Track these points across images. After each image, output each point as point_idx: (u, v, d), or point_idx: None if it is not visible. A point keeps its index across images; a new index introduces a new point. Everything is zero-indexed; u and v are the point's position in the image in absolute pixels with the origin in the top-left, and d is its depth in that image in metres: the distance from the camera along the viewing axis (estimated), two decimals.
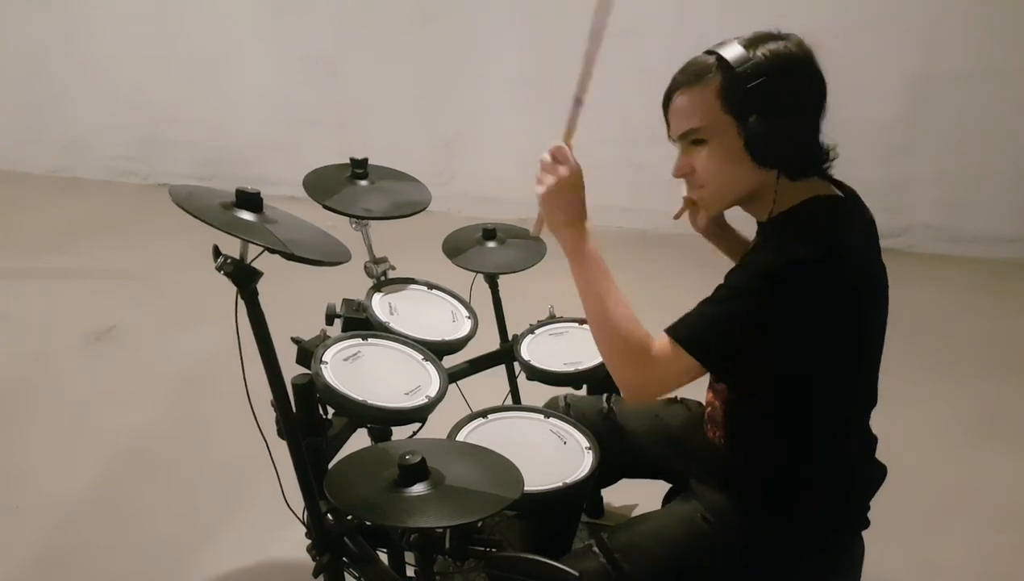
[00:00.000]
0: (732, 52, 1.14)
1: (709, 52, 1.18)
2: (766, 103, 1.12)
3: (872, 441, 1.31)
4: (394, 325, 1.60)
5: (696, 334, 1.14)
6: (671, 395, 1.58)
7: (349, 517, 1.33)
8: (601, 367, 1.62)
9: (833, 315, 1.12)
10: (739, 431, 1.30)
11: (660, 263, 3.74)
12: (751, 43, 1.14)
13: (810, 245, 1.12)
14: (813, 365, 1.16)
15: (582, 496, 1.37)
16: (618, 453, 1.49)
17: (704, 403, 1.43)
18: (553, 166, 1.18)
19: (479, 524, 1.22)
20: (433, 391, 1.43)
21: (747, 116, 1.12)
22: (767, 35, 1.16)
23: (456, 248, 1.83)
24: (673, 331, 1.16)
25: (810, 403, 1.20)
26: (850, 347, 1.18)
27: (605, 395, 1.63)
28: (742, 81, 1.12)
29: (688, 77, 1.18)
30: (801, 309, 1.11)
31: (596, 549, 1.27)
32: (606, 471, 1.49)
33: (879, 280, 1.22)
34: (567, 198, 1.19)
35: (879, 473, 1.31)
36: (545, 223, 1.23)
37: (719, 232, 1.47)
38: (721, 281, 1.19)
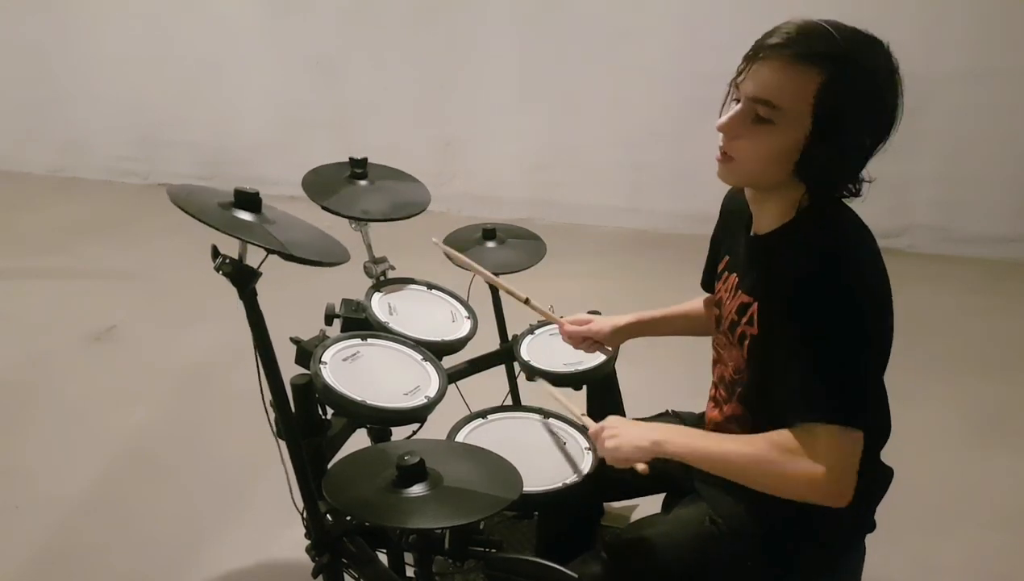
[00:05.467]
0: (856, 57, 1.04)
1: (828, 30, 1.06)
2: (855, 129, 1.07)
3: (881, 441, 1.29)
4: (393, 325, 1.60)
5: (850, 404, 1.06)
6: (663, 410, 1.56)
7: (348, 518, 1.33)
8: (601, 367, 1.62)
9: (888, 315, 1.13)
10: None
11: (659, 263, 3.74)
12: (865, 48, 1.06)
13: (868, 241, 1.13)
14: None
15: (583, 497, 1.36)
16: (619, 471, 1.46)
17: (708, 419, 1.38)
18: (602, 438, 1.21)
19: (481, 525, 1.22)
20: (432, 391, 1.42)
21: (829, 133, 1.06)
22: (877, 44, 1.07)
23: (456, 248, 1.82)
24: (817, 415, 1.06)
25: None
26: (888, 347, 1.16)
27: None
28: (850, 98, 1.04)
29: (798, 49, 1.05)
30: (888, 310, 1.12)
31: (603, 554, 1.26)
32: (610, 491, 1.49)
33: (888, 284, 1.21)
34: (629, 439, 1.19)
35: (886, 475, 1.29)
36: (639, 463, 1.19)
37: (634, 333, 1.50)
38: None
